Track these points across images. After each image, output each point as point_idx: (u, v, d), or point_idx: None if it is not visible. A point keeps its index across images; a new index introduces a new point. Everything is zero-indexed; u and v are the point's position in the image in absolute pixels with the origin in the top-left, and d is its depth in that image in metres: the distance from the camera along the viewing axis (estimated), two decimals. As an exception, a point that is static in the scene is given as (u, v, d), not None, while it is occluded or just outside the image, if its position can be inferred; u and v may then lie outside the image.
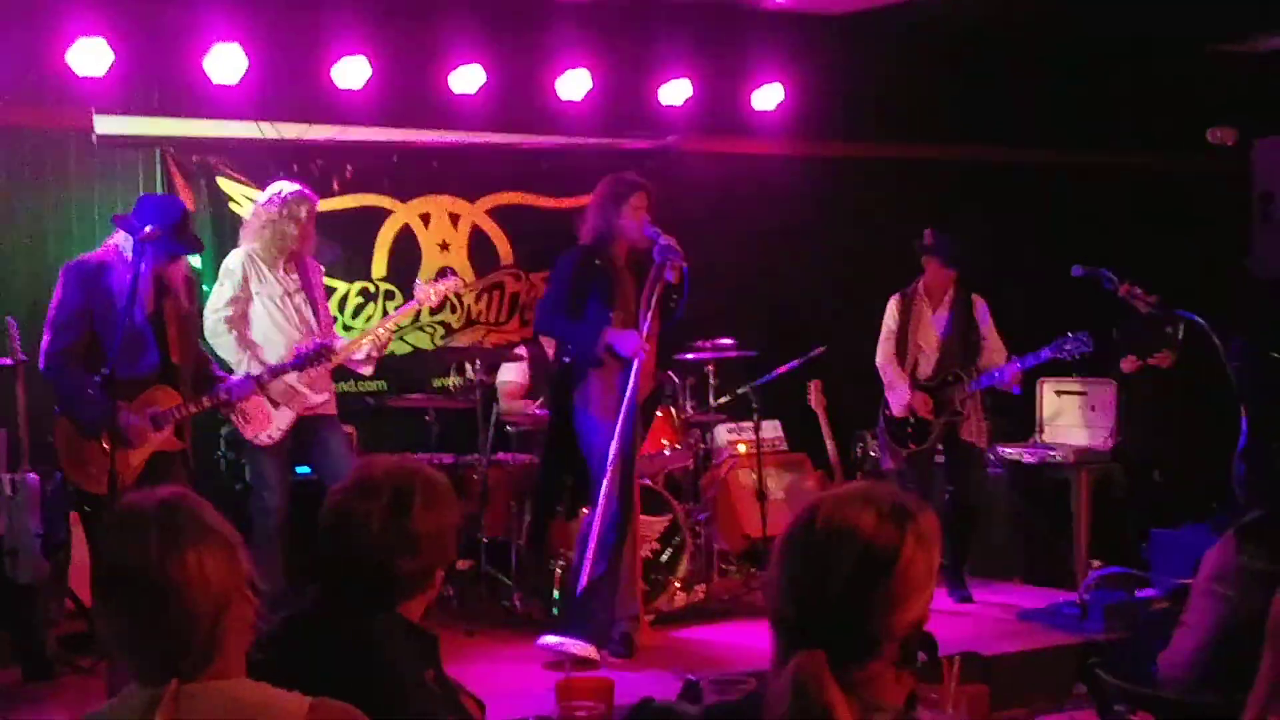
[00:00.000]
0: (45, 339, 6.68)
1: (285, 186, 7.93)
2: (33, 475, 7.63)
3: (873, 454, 9.61)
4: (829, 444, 9.70)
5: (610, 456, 7.06)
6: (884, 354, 8.94)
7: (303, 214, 7.81)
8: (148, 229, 6.44)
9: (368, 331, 8.33)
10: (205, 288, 8.25)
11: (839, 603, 2.41)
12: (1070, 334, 8.61)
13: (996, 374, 8.72)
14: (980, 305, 8.95)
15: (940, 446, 8.94)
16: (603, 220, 7.57)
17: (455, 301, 9.89)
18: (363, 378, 9.08)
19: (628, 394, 7.13)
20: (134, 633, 2.60)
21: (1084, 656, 7.46)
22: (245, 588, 2.65)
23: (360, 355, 7.98)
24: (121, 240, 6.78)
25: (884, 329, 8.97)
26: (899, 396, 8.84)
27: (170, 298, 6.81)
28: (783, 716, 2.33)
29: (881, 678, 2.48)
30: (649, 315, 7.26)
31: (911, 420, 8.79)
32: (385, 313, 9.37)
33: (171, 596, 2.55)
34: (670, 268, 7.26)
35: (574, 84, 10.00)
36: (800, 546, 2.49)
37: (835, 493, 2.54)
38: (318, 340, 7.54)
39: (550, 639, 7.29)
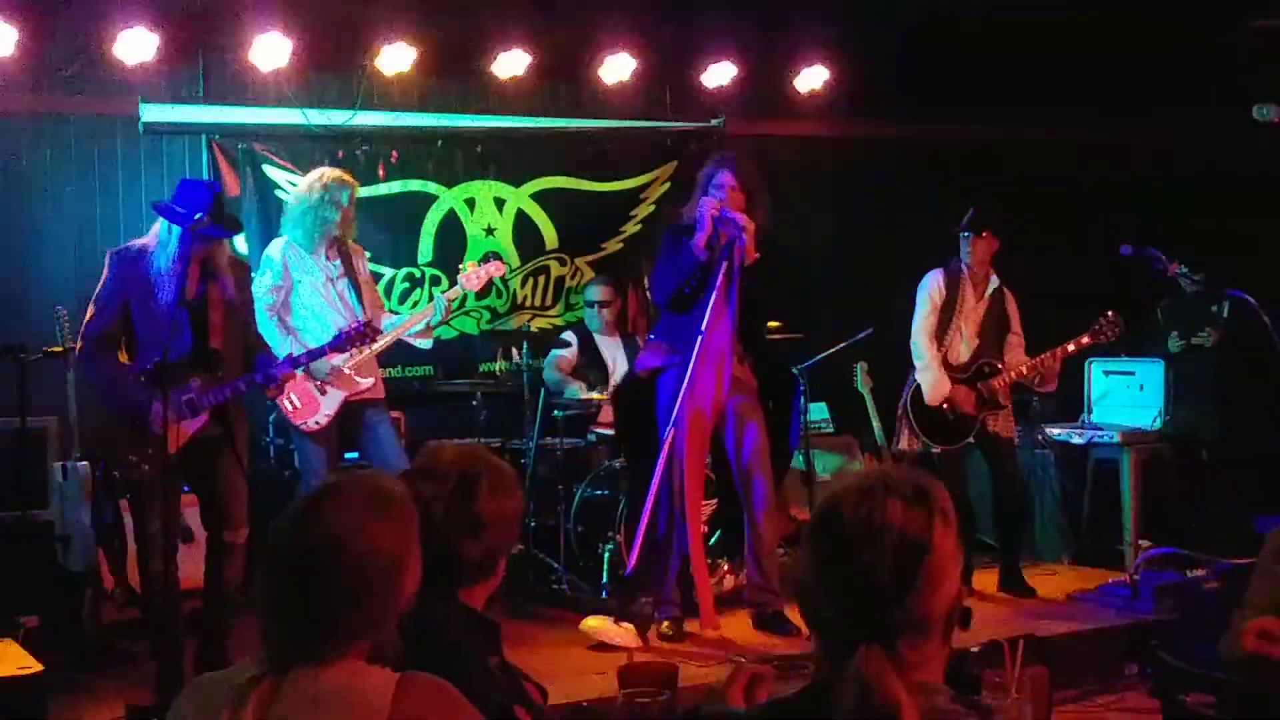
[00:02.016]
0: (85, 319, 6.66)
1: (325, 172, 7.91)
2: (83, 463, 7.70)
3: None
4: (876, 426, 9.66)
5: (665, 438, 7.03)
6: (925, 331, 8.59)
7: (343, 199, 7.80)
8: (198, 215, 6.43)
9: (419, 313, 8.33)
10: (253, 275, 8.28)
11: (881, 598, 2.41)
12: (1104, 316, 8.52)
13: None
14: (1012, 300, 8.75)
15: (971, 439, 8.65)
16: (696, 200, 7.54)
17: (501, 286, 9.91)
18: (410, 363, 9.14)
19: (689, 370, 7.07)
20: (283, 606, 2.66)
21: (1135, 637, 7.44)
22: (406, 595, 2.75)
23: (419, 328, 8.00)
24: (161, 226, 6.75)
25: (925, 303, 8.65)
26: (937, 385, 8.52)
27: (214, 282, 6.75)
28: (848, 717, 2.33)
29: (933, 660, 2.48)
30: (716, 293, 7.18)
31: (949, 415, 8.53)
32: (431, 298, 9.39)
33: (356, 579, 2.65)
34: (738, 249, 7.23)
35: (618, 67, 9.99)
36: (832, 547, 2.48)
37: (851, 485, 2.52)
38: (359, 320, 7.49)
39: (592, 622, 7.30)
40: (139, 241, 6.75)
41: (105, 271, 6.64)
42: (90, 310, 6.62)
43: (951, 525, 2.48)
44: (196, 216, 6.41)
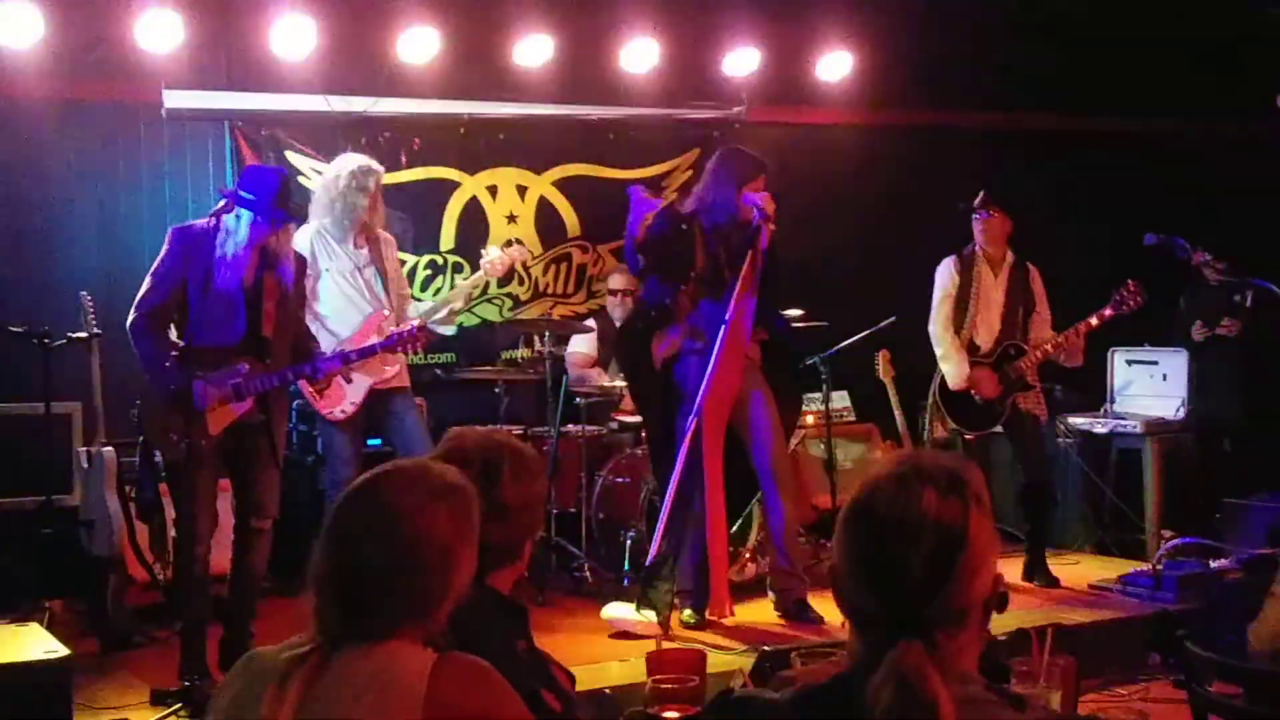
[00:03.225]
0: (140, 291, 6.58)
1: (352, 159, 7.91)
2: (109, 448, 7.70)
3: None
4: (897, 415, 9.63)
5: (687, 427, 7.02)
6: (942, 319, 8.59)
7: (371, 185, 7.80)
8: (244, 195, 6.43)
9: (445, 299, 8.33)
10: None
11: (919, 591, 2.39)
12: (1125, 285, 8.47)
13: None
14: (1036, 274, 8.74)
15: (1000, 427, 8.63)
16: (714, 194, 7.44)
17: (523, 274, 9.92)
18: (432, 350, 9.16)
19: (712, 360, 7.05)
20: (334, 579, 2.68)
21: (1158, 627, 7.42)
22: (459, 587, 2.75)
23: (441, 315, 8.00)
24: (225, 210, 6.74)
25: (939, 291, 8.65)
26: (956, 371, 8.49)
27: (270, 271, 6.70)
28: (885, 712, 2.32)
29: (969, 649, 2.47)
30: (740, 282, 7.15)
31: (974, 400, 8.49)
32: (453, 285, 9.40)
33: (368, 558, 2.67)
34: (764, 235, 7.20)
35: (640, 54, 9.98)
36: (867, 536, 2.45)
37: (885, 474, 2.48)
38: (414, 324, 7.47)
39: (614, 610, 7.31)
40: (201, 223, 6.73)
41: (166, 247, 6.61)
42: (146, 283, 6.57)
43: (986, 511, 2.45)
44: (242, 196, 6.43)
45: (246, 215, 6.46)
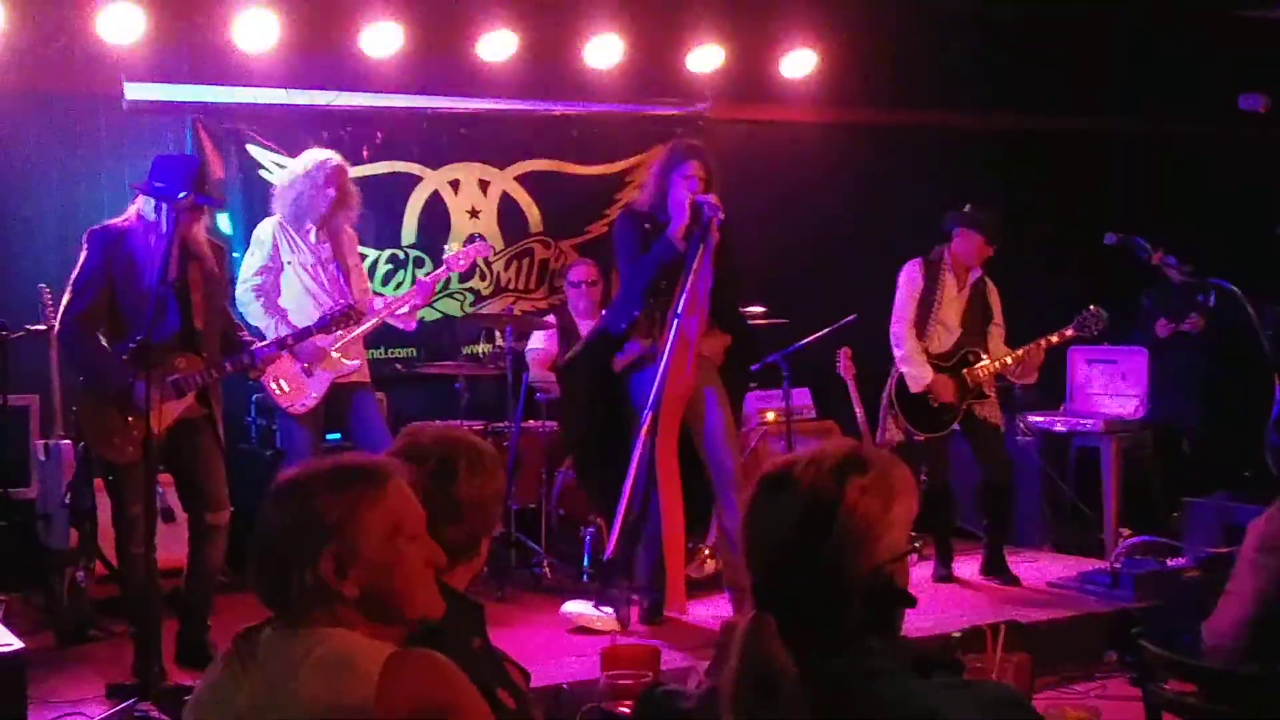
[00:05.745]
0: (64, 302, 6.60)
1: (319, 154, 7.88)
2: (66, 441, 7.67)
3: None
4: (858, 412, 9.64)
5: (641, 422, 7.01)
6: (904, 321, 8.56)
7: (339, 181, 7.78)
8: (182, 195, 6.39)
9: (404, 295, 8.32)
10: (236, 255, 8.25)
11: (788, 556, 2.46)
12: (1088, 309, 8.50)
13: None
14: (993, 289, 8.73)
15: (956, 426, 8.65)
16: (657, 187, 7.49)
17: (484, 269, 9.90)
18: (393, 345, 9.14)
19: (666, 350, 7.03)
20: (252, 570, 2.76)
21: (1115, 625, 7.45)
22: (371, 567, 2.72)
23: (404, 310, 7.99)
24: (142, 205, 6.70)
25: (902, 294, 8.62)
26: (919, 374, 8.49)
27: (194, 262, 6.68)
28: (731, 676, 2.38)
29: (862, 629, 2.47)
30: (691, 277, 7.15)
31: (933, 403, 8.50)
32: (414, 280, 9.37)
33: (269, 539, 2.73)
34: (714, 232, 7.20)
35: (604, 50, 9.96)
36: (753, 509, 2.57)
37: (788, 455, 2.60)
38: (343, 301, 7.48)
39: (573, 606, 7.31)
40: (117, 221, 6.71)
41: (84, 253, 6.59)
42: (69, 293, 6.55)
43: (878, 496, 2.50)
44: (181, 195, 6.39)
45: (164, 207, 6.43)
